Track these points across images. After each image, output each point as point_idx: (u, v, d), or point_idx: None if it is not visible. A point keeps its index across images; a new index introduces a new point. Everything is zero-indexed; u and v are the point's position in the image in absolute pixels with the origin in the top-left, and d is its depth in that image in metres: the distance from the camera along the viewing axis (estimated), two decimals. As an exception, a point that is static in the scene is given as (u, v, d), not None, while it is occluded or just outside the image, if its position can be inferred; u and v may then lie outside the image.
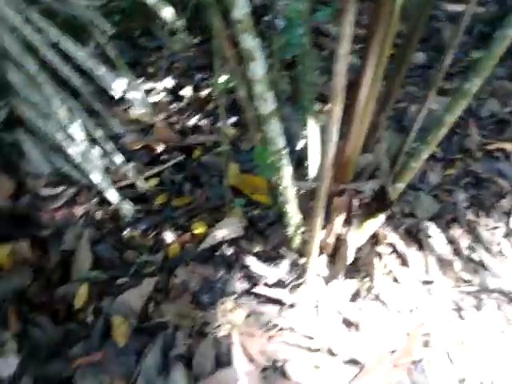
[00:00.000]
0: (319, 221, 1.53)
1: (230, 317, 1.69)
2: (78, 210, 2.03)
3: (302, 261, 1.73)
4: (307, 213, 1.65)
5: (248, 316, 1.72)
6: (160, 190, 2.33)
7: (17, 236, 1.88)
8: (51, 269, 1.83)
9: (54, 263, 1.84)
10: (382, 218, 1.67)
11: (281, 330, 1.68)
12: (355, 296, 1.77)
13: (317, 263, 1.75)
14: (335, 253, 1.75)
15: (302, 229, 1.69)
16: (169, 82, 3.20)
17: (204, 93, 3.01)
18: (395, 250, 1.89)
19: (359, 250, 1.75)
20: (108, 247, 1.94)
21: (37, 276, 1.81)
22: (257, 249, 1.84)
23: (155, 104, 3.00)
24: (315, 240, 1.59)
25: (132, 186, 2.29)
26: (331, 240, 1.70)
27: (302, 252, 1.73)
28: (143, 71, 3.31)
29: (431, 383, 1.65)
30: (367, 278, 1.77)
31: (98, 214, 2.05)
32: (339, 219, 1.64)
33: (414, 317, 1.78)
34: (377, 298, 1.78)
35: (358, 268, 1.78)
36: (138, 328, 1.70)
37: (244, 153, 2.47)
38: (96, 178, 1.91)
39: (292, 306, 1.72)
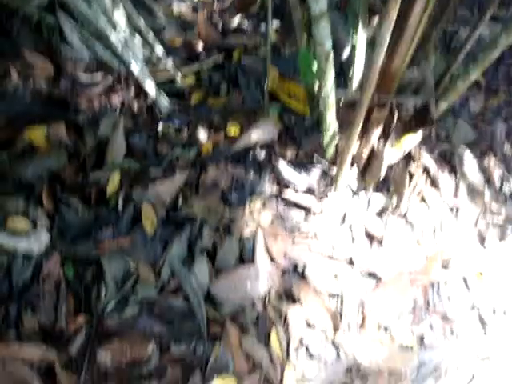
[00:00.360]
0: (356, 131, 1.50)
1: (256, 217, 1.72)
2: (115, 99, 2.02)
3: (333, 170, 1.72)
4: (344, 122, 1.62)
5: (274, 218, 1.74)
6: (197, 87, 2.30)
7: (54, 119, 1.89)
8: (86, 153, 1.85)
9: (88, 148, 1.86)
10: (420, 135, 1.63)
11: (305, 235, 1.70)
12: (382, 211, 1.78)
13: (348, 174, 1.74)
14: (367, 166, 1.74)
15: (338, 138, 1.67)
16: (213, -22, 3.08)
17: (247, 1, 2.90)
18: (427, 172, 1.87)
19: (392, 166, 1.73)
20: (142, 138, 1.94)
21: (71, 159, 1.83)
22: (289, 154, 1.83)
23: (199, 2, 2.91)
24: (349, 150, 1.58)
25: (170, 81, 2.27)
26: (365, 152, 1.68)
27: (335, 161, 1.72)
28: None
29: (444, 305, 1.68)
30: (396, 196, 1.76)
31: (135, 105, 2.04)
32: (377, 132, 1.61)
33: (437, 239, 1.78)
34: (403, 216, 1.78)
35: (389, 185, 1.77)
36: (166, 218, 1.73)
37: (285, 58, 2.40)
38: (135, 67, 1.89)
39: (318, 213, 1.73)
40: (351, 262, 1.68)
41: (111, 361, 1.48)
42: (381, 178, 1.75)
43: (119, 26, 1.76)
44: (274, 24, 2.69)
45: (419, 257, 1.72)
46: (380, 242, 1.72)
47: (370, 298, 1.64)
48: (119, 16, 1.76)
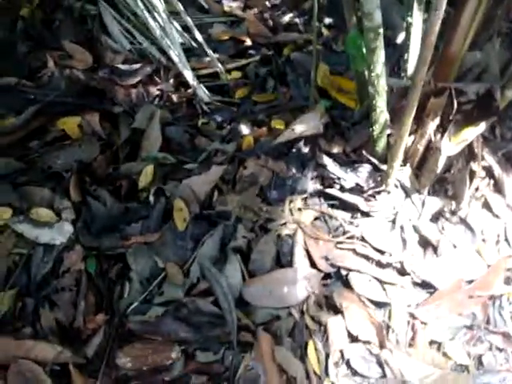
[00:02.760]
0: (409, 121, 1.31)
1: (297, 216, 1.54)
2: (154, 90, 1.90)
3: (384, 167, 1.52)
4: (397, 114, 1.43)
5: (316, 218, 1.56)
6: (242, 83, 2.16)
7: (89, 109, 1.78)
8: (119, 145, 1.72)
9: (123, 139, 1.73)
10: (482, 126, 1.41)
11: (351, 237, 1.50)
12: (438, 215, 1.56)
13: (400, 172, 1.54)
14: (422, 163, 1.53)
15: (389, 131, 1.48)
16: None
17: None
18: (491, 174, 1.63)
19: (450, 165, 1.51)
20: (180, 131, 1.80)
21: (104, 150, 1.71)
22: (336, 150, 1.64)
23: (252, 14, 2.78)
24: (402, 144, 1.38)
25: (214, 75, 2.13)
26: (420, 147, 1.48)
27: (386, 158, 1.52)
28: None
29: (507, 323, 1.45)
30: (454, 198, 1.54)
31: (174, 97, 1.91)
32: (433, 123, 1.41)
33: (500, 249, 1.55)
34: (462, 221, 1.56)
35: (446, 185, 1.56)
36: (198, 215, 1.58)
37: (336, 54, 2.23)
38: (174, 55, 1.76)
39: (367, 214, 1.54)
40: (402, 270, 1.48)
41: (131, 365, 1.33)
42: (437, 177, 1.53)
43: (157, 10, 1.63)
44: (327, 21, 2.53)
45: (479, 268, 1.50)
46: (435, 249, 1.51)
47: (422, 311, 1.43)
48: (157, 1, 1.62)
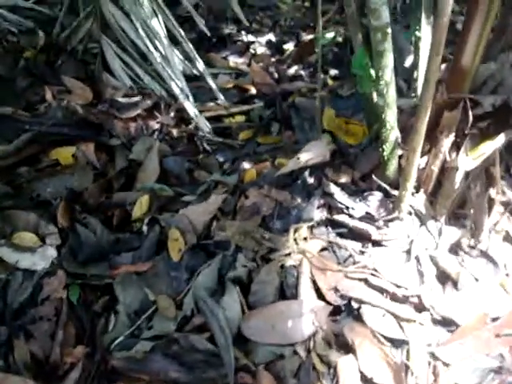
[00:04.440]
0: (421, 138, 1.18)
1: (302, 246, 1.37)
2: (153, 124, 1.79)
3: (396, 193, 1.38)
4: (408, 133, 1.30)
5: (324, 249, 1.39)
6: (246, 126, 2.06)
7: (85, 140, 1.66)
8: (114, 175, 1.59)
9: (118, 169, 1.61)
10: (500, 140, 1.26)
11: (361, 269, 1.33)
12: (456, 246, 1.39)
13: (413, 198, 1.39)
14: (437, 188, 1.38)
15: (400, 151, 1.34)
16: (272, 37, 2.94)
17: (306, 48, 2.69)
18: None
19: (468, 188, 1.36)
20: (179, 163, 1.68)
21: (98, 180, 1.58)
22: (343, 179, 1.50)
23: (255, 55, 2.74)
24: (414, 165, 1.24)
25: (216, 118, 2.04)
26: (435, 168, 1.33)
27: (397, 183, 1.38)
28: (247, 26, 3.06)
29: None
30: (474, 227, 1.38)
31: (174, 132, 1.80)
32: (448, 140, 1.27)
33: (527, 285, 1.37)
34: (483, 254, 1.38)
35: (464, 212, 1.40)
36: (195, 245, 1.42)
37: (342, 99, 2.14)
38: (175, 87, 1.66)
39: (378, 243, 1.37)
40: (420, 305, 1.29)
41: (113, 408, 1.13)
42: (454, 204, 1.38)
43: (158, 37, 1.55)
44: (333, 72, 2.47)
45: (504, 303, 1.31)
46: (455, 283, 1.33)
47: (445, 350, 1.23)
48: (158, 27, 1.55)
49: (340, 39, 2.66)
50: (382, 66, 1.16)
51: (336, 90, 2.21)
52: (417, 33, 1.32)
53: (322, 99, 1.79)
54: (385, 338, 1.23)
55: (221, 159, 1.84)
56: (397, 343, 1.24)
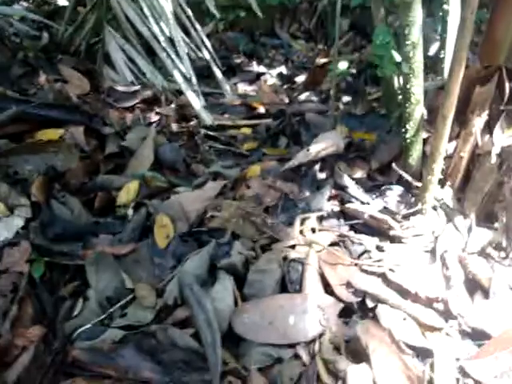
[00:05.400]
0: (449, 120, 1.00)
1: (310, 237, 1.16)
2: (152, 115, 1.62)
3: (419, 185, 1.18)
4: (434, 113, 1.13)
5: (335, 244, 1.17)
6: (252, 137, 1.89)
7: (77, 125, 1.49)
8: (102, 158, 1.41)
9: (106, 153, 1.42)
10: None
11: (378, 264, 1.11)
12: (486, 250, 1.18)
13: (439, 191, 1.19)
14: (467, 181, 1.18)
15: (425, 134, 1.16)
16: (284, 70, 2.83)
17: (319, 75, 2.56)
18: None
19: (501, 182, 1.16)
20: (175, 152, 1.49)
21: (85, 163, 1.39)
22: (358, 172, 1.32)
23: (267, 84, 2.61)
24: (441, 151, 1.06)
25: (222, 127, 1.87)
26: (464, 155, 1.14)
27: (420, 173, 1.18)
28: (258, 61, 2.97)
29: None
30: (506, 228, 1.17)
31: (174, 126, 1.63)
32: (480, 119, 1.09)
33: None
34: (517, 258, 1.17)
35: (496, 211, 1.19)
36: (187, 233, 1.21)
37: (355, 118, 1.97)
38: (179, 76, 1.51)
39: (398, 240, 1.16)
40: (446, 312, 1.07)
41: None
42: (485, 200, 1.18)
43: (165, 18, 1.40)
44: (345, 99, 2.33)
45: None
46: (485, 290, 1.11)
47: (476, 366, 1.00)
48: (165, 5, 1.41)
49: (354, 70, 2.54)
50: (410, 21, 1.00)
51: (349, 110, 2.06)
52: (444, 6, 1.17)
53: (334, 117, 1.64)
54: (406, 345, 1.00)
55: (225, 163, 1.65)
56: (419, 353, 1.01)
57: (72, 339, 0.98)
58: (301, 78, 2.72)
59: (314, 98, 2.38)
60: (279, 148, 1.85)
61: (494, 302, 1.10)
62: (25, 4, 3.11)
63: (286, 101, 2.37)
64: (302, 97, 2.40)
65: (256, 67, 2.84)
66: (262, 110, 2.18)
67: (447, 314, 1.07)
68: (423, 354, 1.01)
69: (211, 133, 1.71)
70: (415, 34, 1.01)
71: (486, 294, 1.12)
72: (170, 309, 1.05)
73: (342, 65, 2.47)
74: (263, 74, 2.79)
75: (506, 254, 1.19)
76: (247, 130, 1.95)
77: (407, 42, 1.02)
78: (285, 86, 2.60)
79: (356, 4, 3.07)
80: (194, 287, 1.05)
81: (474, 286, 1.12)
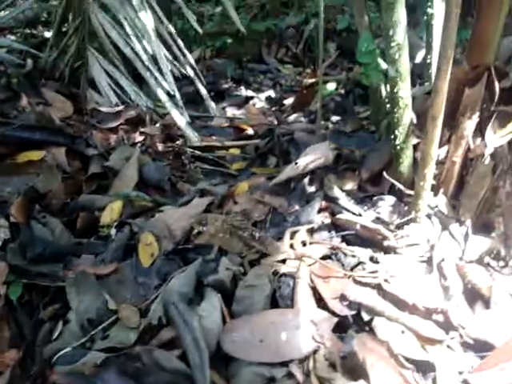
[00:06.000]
0: (439, 123, 0.97)
1: (301, 250, 1.11)
2: (136, 136, 1.58)
3: (411, 193, 1.14)
4: (423, 118, 1.09)
5: (327, 257, 1.12)
6: (241, 157, 1.86)
7: (60, 146, 1.45)
8: (85, 179, 1.36)
9: (89, 173, 1.38)
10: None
11: (372, 275, 1.06)
12: (484, 260, 1.13)
13: (433, 198, 1.15)
14: (460, 187, 1.14)
15: (415, 140, 1.12)
16: (272, 93, 2.82)
17: (307, 96, 2.54)
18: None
19: (496, 187, 1.12)
20: (160, 171, 1.45)
21: (68, 184, 1.34)
22: (348, 184, 1.27)
23: (255, 107, 2.60)
24: (432, 155, 1.02)
25: (209, 149, 1.84)
26: (457, 159, 1.10)
27: (412, 180, 1.15)
28: (247, 86, 2.96)
29: None
30: (505, 235, 1.13)
31: (160, 146, 1.59)
32: (471, 122, 1.05)
33: None
34: (519, 269, 1.12)
35: (493, 218, 1.15)
36: (172, 251, 1.16)
37: (344, 135, 1.94)
38: (163, 95, 1.48)
39: (392, 250, 1.11)
40: (446, 324, 1.01)
41: None
42: (480, 206, 1.14)
43: (147, 36, 1.38)
44: (334, 119, 2.31)
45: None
46: (486, 300, 1.06)
47: (481, 378, 0.94)
48: (147, 21, 1.39)
49: (342, 91, 2.53)
50: (393, 21, 0.97)
51: (338, 128, 2.03)
52: (429, 10, 1.15)
53: (323, 135, 1.62)
54: (405, 359, 0.94)
55: (212, 181, 1.61)
56: (420, 367, 0.95)
57: (51, 363, 0.92)
58: (289, 101, 2.70)
59: (303, 119, 2.36)
60: (268, 167, 1.81)
61: (495, 311, 1.05)
62: (12, 37, 3.13)
63: (275, 122, 2.34)
64: (291, 118, 2.38)
65: (244, 91, 2.82)
66: (250, 131, 2.15)
67: (447, 326, 1.01)
68: (424, 368, 0.95)
69: (198, 152, 1.67)
70: (400, 35, 0.98)
71: (486, 303, 1.06)
72: (154, 329, 0.99)
73: (331, 85, 2.47)
74: (252, 97, 2.77)
75: (505, 263, 1.14)
76: (236, 151, 1.92)
77: (392, 44, 0.99)
78: (273, 109, 2.58)
79: (342, 27, 3.11)
80: (179, 306, 0.99)
81: (474, 296, 1.07)
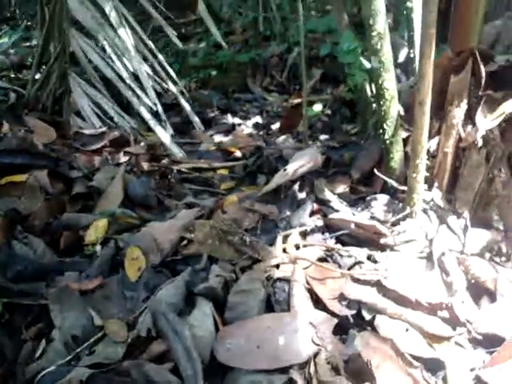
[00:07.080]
0: (426, 112, 0.94)
1: (295, 254, 1.06)
2: (120, 156, 1.54)
3: (404, 188, 1.10)
4: (411, 111, 1.06)
5: (322, 259, 1.07)
6: (229, 177, 1.81)
7: (41, 168, 1.40)
8: (68, 199, 1.31)
9: (73, 193, 1.33)
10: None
11: (371, 272, 1.00)
12: (485, 255, 1.08)
13: (428, 193, 1.11)
14: (455, 179, 1.10)
15: (405, 134, 1.09)
16: (259, 120, 2.80)
17: (294, 118, 2.51)
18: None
19: (492, 177, 1.08)
20: (145, 186, 1.39)
21: (51, 205, 1.29)
22: (340, 187, 1.23)
23: (243, 132, 2.58)
24: (423, 145, 0.99)
25: (197, 170, 1.80)
26: (448, 149, 1.06)
27: (405, 176, 1.11)
28: (233, 114, 2.94)
29: None
30: (505, 226, 1.09)
31: (145, 166, 1.54)
32: (460, 110, 1.02)
33: None
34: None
35: (491, 209, 1.10)
36: (160, 264, 1.10)
37: (334, 149, 1.91)
38: (146, 113, 1.45)
39: (390, 248, 1.06)
40: (452, 320, 0.96)
41: None
42: (477, 198, 1.09)
43: (128, 54, 1.36)
44: (322, 137, 2.29)
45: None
46: (491, 293, 1.01)
47: (494, 373, 0.88)
48: (126, 39, 1.37)
49: (329, 111, 2.52)
50: (373, 11, 0.95)
51: (327, 143, 2.00)
52: (408, 4, 1.14)
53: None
54: (412, 357, 0.88)
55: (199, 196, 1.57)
56: (429, 365, 0.89)
57: (34, 382, 0.85)
58: (276, 126, 2.69)
59: (291, 140, 2.33)
60: (258, 186, 1.77)
61: (501, 304, 0.99)
62: (-3, 80, 3.12)
63: (263, 144, 2.32)
64: (279, 140, 2.36)
65: (231, 119, 2.81)
66: (238, 153, 2.12)
67: (454, 322, 0.96)
68: (433, 366, 0.89)
69: (186, 171, 1.62)
70: (380, 24, 0.96)
71: (491, 296, 1.01)
72: (144, 343, 0.92)
73: (317, 107, 2.46)
74: (239, 124, 2.76)
75: (506, 257, 1.09)
76: (224, 171, 1.88)
77: (373, 34, 0.97)
78: (261, 133, 2.56)
79: (324, 53, 3.12)
80: (168, 316, 0.93)
81: (479, 290, 1.02)
